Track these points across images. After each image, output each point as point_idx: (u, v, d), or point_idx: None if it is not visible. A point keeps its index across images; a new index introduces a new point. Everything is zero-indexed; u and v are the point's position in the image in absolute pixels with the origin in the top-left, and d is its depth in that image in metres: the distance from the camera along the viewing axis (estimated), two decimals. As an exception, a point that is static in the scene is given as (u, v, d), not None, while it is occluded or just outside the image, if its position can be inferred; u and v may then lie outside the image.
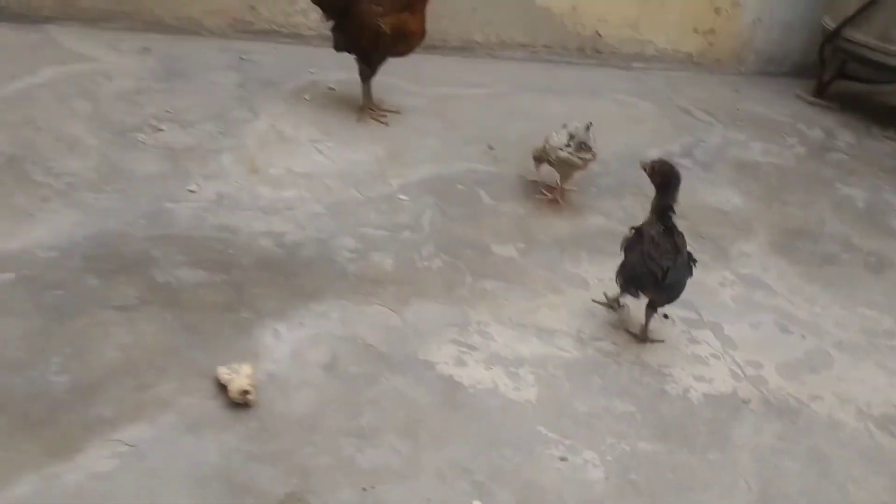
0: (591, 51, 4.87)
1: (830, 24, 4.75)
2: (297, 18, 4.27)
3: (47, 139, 2.97)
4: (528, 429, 2.09)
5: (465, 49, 4.63)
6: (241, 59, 4.00)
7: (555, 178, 3.23)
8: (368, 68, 3.56)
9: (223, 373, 2.02)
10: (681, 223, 3.15)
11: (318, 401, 2.05)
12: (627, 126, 4.13)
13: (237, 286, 2.40)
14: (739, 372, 2.45)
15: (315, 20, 4.26)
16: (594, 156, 3.09)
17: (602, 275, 2.78)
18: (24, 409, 1.87)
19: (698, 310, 2.71)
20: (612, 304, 2.64)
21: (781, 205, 3.58)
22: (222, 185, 2.91)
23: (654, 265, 2.38)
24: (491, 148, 3.58)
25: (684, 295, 2.60)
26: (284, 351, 2.19)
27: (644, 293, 2.46)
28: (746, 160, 3.98)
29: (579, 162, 3.08)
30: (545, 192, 3.26)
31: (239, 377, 2.00)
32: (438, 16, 4.27)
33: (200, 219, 2.69)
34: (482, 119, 3.86)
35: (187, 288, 2.35)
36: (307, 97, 3.74)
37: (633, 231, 2.50)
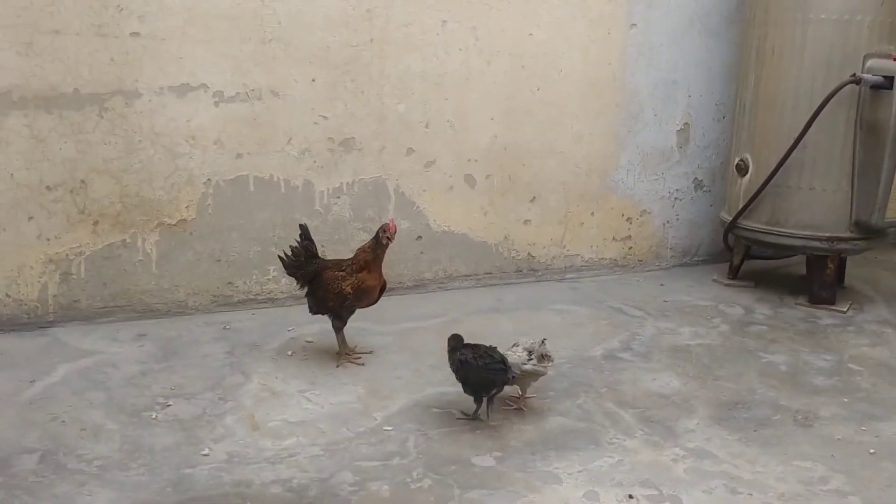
0: (528, 270, 5.55)
1: (727, 217, 5.54)
2: (270, 286, 4.88)
3: (73, 430, 3.39)
4: None
5: (419, 286, 5.26)
6: (225, 328, 4.55)
7: (516, 390, 3.73)
8: (339, 322, 4.12)
9: None
10: (630, 411, 3.69)
11: None
12: (570, 331, 4.71)
13: (259, 533, 2.77)
14: (700, 534, 2.84)
15: (286, 284, 4.89)
16: (553, 360, 3.67)
17: (571, 468, 3.22)
18: None
19: (658, 486, 3.13)
20: (476, 417, 3.56)
21: (714, 380, 4.09)
22: (230, 445, 3.33)
23: (496, 365, 3.45)
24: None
25: (646, 475, 3.17)
26: (310, 582, 2.54)
27: (497, 388, 3.50)
28: (678, 345, 4.55)
29: (544, 371, 3.63)
30: (510, 402, 3.74)
31: None
32: (392, 262, 4.96)
33: (217, 478, 3.09)
34: (443, 345, 4.38)
35: (218, 541, 2.71)
36: (290, 353, 4.25)
37: (458, 363, 3.55)
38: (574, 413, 3.70)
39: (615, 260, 5.82)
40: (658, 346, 4.52)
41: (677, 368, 4.22)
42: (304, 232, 4.19)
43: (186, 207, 4.57)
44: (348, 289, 3.99)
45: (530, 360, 3.58)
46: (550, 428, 3.57)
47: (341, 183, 4.90)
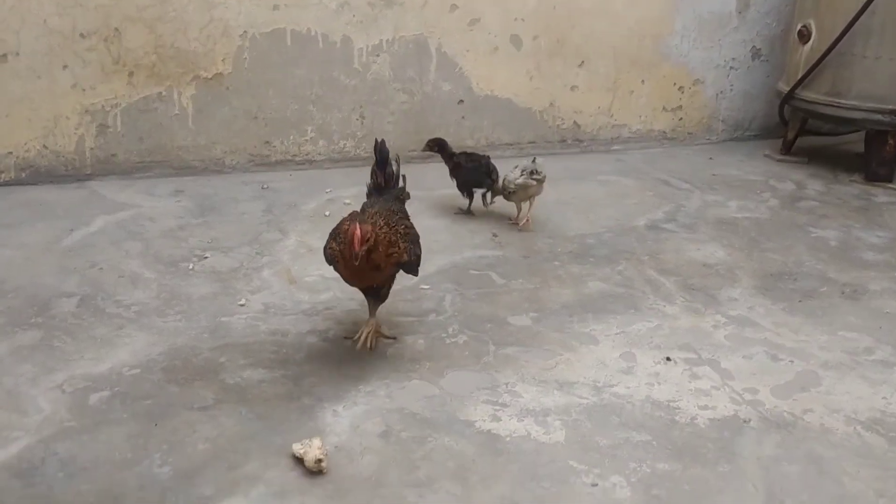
0: (573, 140, 5.38)
1: (784, 87, 5.27)
2: (307, 147, 4.79)
3: (111, 277, 3.42)
4: (561, 464, 2.42)
5: (460, 153, 5.13)
6: (263, 188, 4.50)
7: (516, 209, 4.14)
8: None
9: (297, 448, 2.37)
10: (672, 279, 3.60)
11: (380, 462, 2.40)
12: (614, 202, 4.58)
13: (295, 379, 2.78)
14: (738, 398, 2.79)
15: (323, 146, 4.80)
16: (544, 177, 3.98)
17: (609, 330, 3.17)
18: (139, 496, 2.23)
19: (697, 350, 3.07)
20: (469, 212, 4.26)
21: (760, 252, 3.97)
22: (267, 297, 3.33)
23: (482, 168, 4.15)
24: (495, 235, 4.03)
25: (685, 340, 3.14)
26: (344, 426, 2.55)
27: (481, 187, 4.20)
28: (725, 217, 4.41)
29: (534, 182, 3.96)
30: (515, 221, 4.11)
31: (311, 450, 2.35)
32: (433, 127, 4.84)
33: (254, 327, 3.10)
34: (482, 211, 4.32)
35: (253, 385, 2.73)
36: (327, 213, 4.20)
37: (452, 164, 4.23)
38: (614, 279, 3.62)
39: (664, 132, 5.61)
40: (704, 218, 4.39)
41: (723, 240, 4.10)
42: (379, 154, 3.17)
43: (223, 60, 4.45)
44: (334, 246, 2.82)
45: (522, 175, 3.92)
46: (589, 292, 3.50)
47: (381, 40, 4.72)
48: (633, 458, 2.47)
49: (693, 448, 2.52)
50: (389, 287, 2.99)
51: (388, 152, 3.17)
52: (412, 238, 2.99)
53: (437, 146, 4.31)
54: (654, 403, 2.74)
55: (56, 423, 2.51)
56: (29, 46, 4.10)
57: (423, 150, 4.33)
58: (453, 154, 4.28)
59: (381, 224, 2.80)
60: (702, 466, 2.44)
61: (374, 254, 2.68)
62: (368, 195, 3.20)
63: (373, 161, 3.18)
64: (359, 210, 3.01)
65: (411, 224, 3.07)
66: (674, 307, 3.39)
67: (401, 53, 4.78)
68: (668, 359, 3.01)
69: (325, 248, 2.87)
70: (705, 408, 2.73)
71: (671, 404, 2.74)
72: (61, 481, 2.28)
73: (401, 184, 3.27)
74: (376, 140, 3.18)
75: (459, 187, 4.26)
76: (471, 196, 4.27)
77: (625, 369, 2.94)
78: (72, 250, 3.64)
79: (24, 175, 4.30)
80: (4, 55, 4.08)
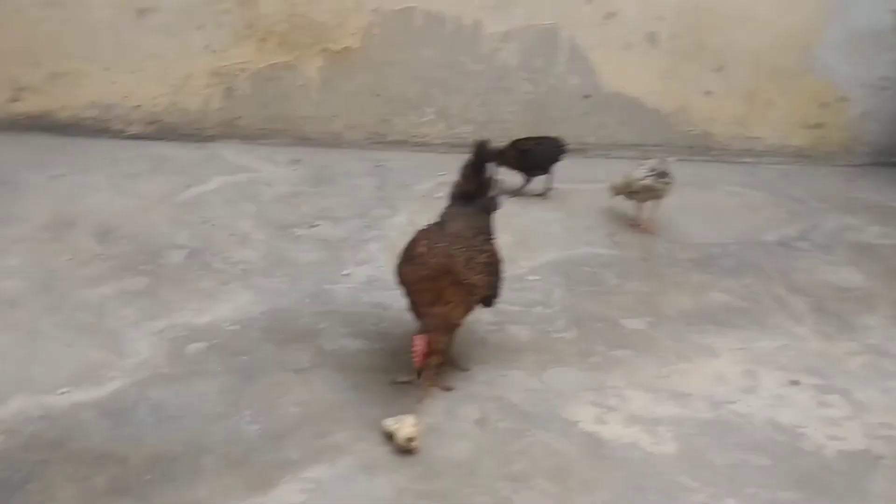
0: (701, 148, 5.10)
1: (941, 112, 4.86)
2: (425, 129, 4.70)
3: (222, 235, 3.41)
4: (669, 478, 2.23)
5: (579, 150, 4.89)
6: (377, 165, 4.44)
7: (637, 209, 3.91)
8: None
9: (389, 424, 2.27)
10: (805, 300, 3.34)
11: (474, 449, 2.27)
12: (742, 213, 4.31)
13: (393, 353, 2.68)
14: (872, 432, 2.52)
15: (442, 130, 4.70)
16: (671, 180, 3.78)
17: (730, 345, 2.94)
18: (225, 451, 2.17)
19: (827, 377, 2.81)
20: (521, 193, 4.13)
21: (903, 282, 3.64)
22: (372, 269, 3.26)
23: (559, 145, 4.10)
24: (612, 234, 3.84)
25: (814, 364, 2.90)
26: (440, 407, 2.44)
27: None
28: (864, 242, 4.07)
29: (661, 187, 3.75)
30: (635, 222, 3.90)
31: (404, 427, 2.24)
32: (554, 119, 4.68)
33: (356, 297, 3.02)
34: (600, 209, 4.13)
35: (351, 354, 2.65)
36: (439, 195, 4.08)
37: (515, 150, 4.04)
38: (738, 292, 3.38)
39: (801, 149, 5.25)
40: (840, 241, 4.06)
41: (861, 265, 3.77)
42: (477, 156, 2.78)
43: (352, 35, 4.41)
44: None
45: (649, 176, 3.69)
46: (710, 303, 3.28)
47: (512, 27, 4.58)
48: (751, 481, 2.25)
49: (819, 479, 2.29)
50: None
51: (487, 155, 2.76)
52: (493, 268, 2.58)
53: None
54: (776, 427, 2.51)
55: (151, 369, 2.49)
56: (168, 4, 4.17)
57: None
58: (502, 151, 3.97)
59: (461, 263, 2.40)
60: (828, 500, 2.21)
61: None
62: (451, 198, 2.81)
63: (470, 161, 2.75)
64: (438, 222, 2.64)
65: (494, 247, 2.63)
66: (803, 328, 3.13)
67: (530, 42, 4.63)
68: (794, 381, 2.76)
69: (397, 266, 2.58)
70: (834, 438, 2.48)
71: (796, 430, 2.51)
72: (150, 426, 2.25)
73: (493, 191, 2.80)
74: (476, 140, 2.78)
75: (531, 169, 4.16)
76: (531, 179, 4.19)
77: (746, 387, 2.71)
78: (187, 205, 3.67)
79: (149, 130, 4.38)
80: (144, 10, 4.16)
